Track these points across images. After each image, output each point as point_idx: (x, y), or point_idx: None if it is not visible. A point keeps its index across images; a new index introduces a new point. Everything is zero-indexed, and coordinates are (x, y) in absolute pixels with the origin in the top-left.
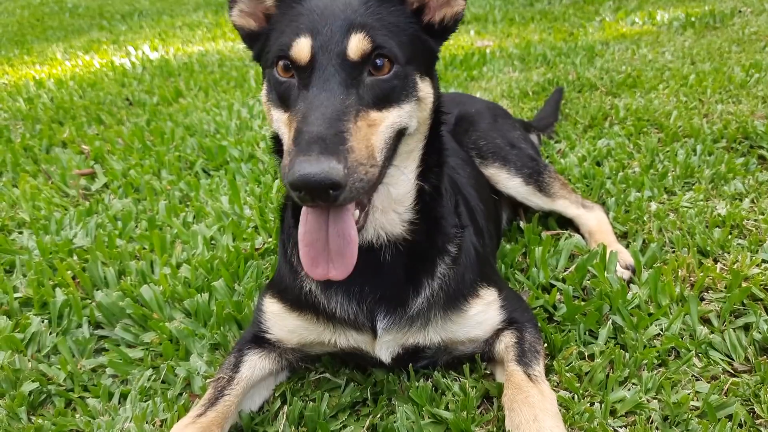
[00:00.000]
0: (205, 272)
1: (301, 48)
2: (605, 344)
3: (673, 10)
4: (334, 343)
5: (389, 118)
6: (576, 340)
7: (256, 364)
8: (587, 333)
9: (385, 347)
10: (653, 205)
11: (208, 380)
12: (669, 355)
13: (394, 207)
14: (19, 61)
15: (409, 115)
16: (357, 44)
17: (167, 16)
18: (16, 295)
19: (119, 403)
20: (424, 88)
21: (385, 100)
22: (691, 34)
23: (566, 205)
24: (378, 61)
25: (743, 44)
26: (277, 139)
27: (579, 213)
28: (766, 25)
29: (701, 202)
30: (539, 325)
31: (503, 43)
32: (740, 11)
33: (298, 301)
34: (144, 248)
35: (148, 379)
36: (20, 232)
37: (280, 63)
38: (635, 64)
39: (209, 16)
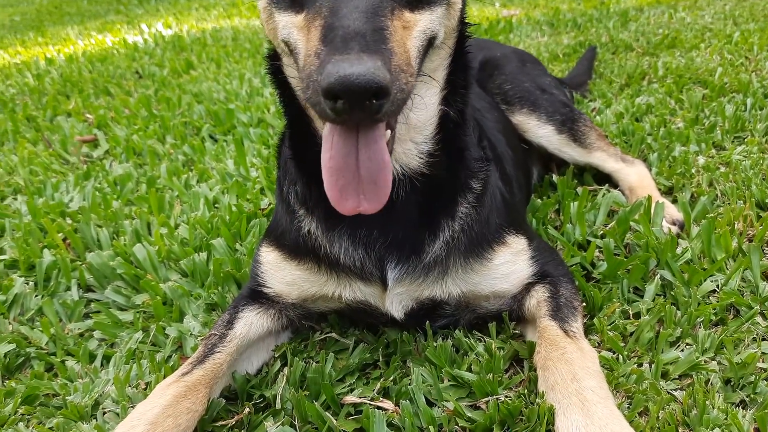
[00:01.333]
0: (204, 231)
1: None
2: (653, 301)
3: None
4: (338, 296)
5: (422, 22)
6: (619, 298)
7: (252, 321)
8: (631, 291)
9: (396, 300)
10: (701, 159)
11: (200, 339)
12: (728, 312)
13: (411, 135)
14: (33, 42)
15: (440, 20)
16: None
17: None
18: (1, 257)
19: (101, 366)
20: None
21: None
22: None
23: (604, 158)
24: None
25: None
26: (275, 57)
27: (618, 167)
28: None
29: (755, 155)
30: (575, 279)
31: (530, 12)
32: None
33: (296, 246)
34: (141, 210)
35: (137, 342)
36: (15, 198)
37: None
38: (673, 27)
39: None
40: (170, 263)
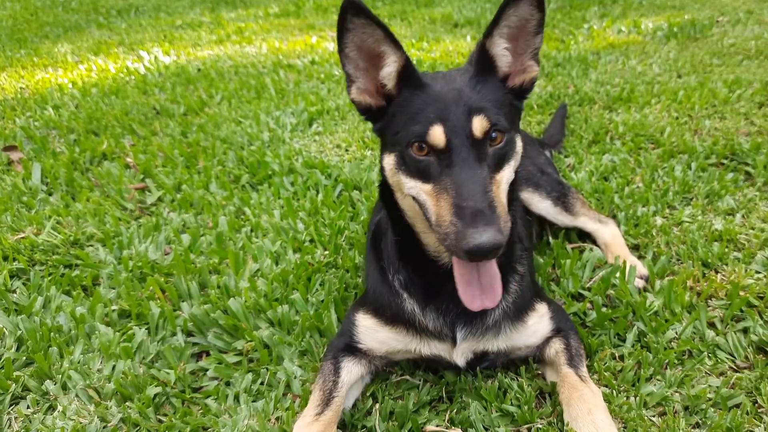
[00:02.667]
0: (280, 285)
1: (437, 134)
2: (632, 347)
3: (655, 18)
4: (419, 351)
5: (505, 176)
6: (608, 344)
7: (351, 369)
8: (616, 337)
9: (461, 354)
10: (658, 220)
11: (307, 384)
12: (684, 355)
13: None
14: (29, 63)
15: (513, 168)
16: (480, 125)
17: (165, 14)
18: (113, 307)
19: (234, 402)
20: (519, 143)
21: (500, 163)
22: (674, 45)
23: (586, 221)
24: (494, 134)
25: (723, 57)
26: (385, 188)
27: (596, 228)
28: (742, 37)
29: (700, 217)
30: (578, 331)
31: None
32: (718, 21)
33: (394, 317)
34: (215, 262)
35: (250, 382)
36: (90, 245)
37: (415, 145)
38: (627, 77)
39: (207, 14)
40: (258, 314)
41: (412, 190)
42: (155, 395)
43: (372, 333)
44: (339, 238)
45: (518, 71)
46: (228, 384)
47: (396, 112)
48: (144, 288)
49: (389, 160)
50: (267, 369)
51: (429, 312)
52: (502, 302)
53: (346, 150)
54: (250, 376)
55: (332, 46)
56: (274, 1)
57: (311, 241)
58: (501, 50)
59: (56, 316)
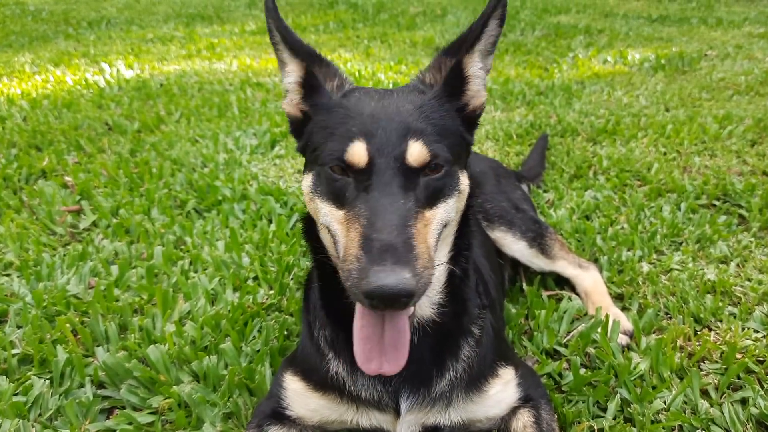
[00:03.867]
0: (210, 330)
1: (357, 152)
2: (614, 419)
3: (642, 49)
4: (356, 422)
5: (438, 215)
6: (586, 414)
7: None
8: (595, 405)
9: (406, 426)
10: (645, 266)
11: None
12: (673, 430)
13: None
14: None
15: (453, 208)
16: (417, 153)
17: (137, 27)
18: (14, 351)
19: None
20: (464, 180)
21: (435, 198)
22: (662, 77)
23: (565, 265)
24: (433, 164)
25: (712, 91)
26: (310, 220)
27: (576, 273)
28: (732, 72)
29: (690, 265)
30: (551, 399)
31: None
32: (706, 54)
33: (323, 382)
34: (143, 299)
35: None
36: (7, 275)
37: (334, 164)
38: (612, 108)
39: (180, 28)
40: (182, 365)
41: (325, 217)
42: None
43: (301, 399)
44: (286, 277)
45: (473, 97)
46: None
47: (314, 126)
48: (55, 329)
49: (306, 181)
50: None
51: (361, 377)
52: (451, 369)
53: None
54: None
55: None
56: (253, 18)
57: (255, 278)
58: (477, 70)
59: None
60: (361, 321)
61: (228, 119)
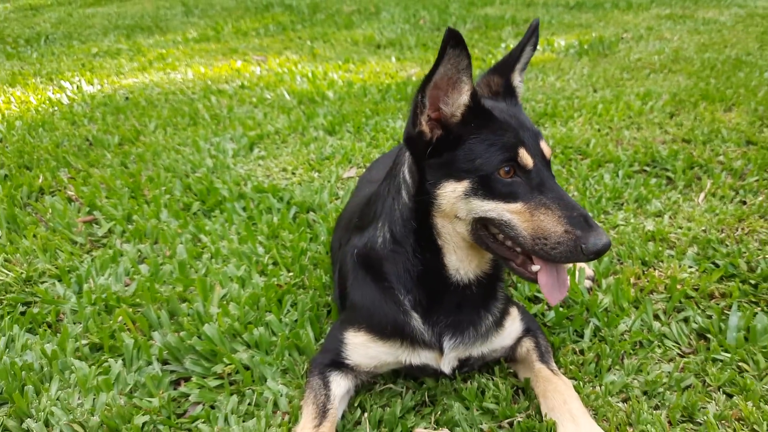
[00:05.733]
0: (250, 309)
1: (526, 156)
2: (590, 341)
3: (566, 36)
4: (408, 362)
5: None
6: (569, 340)
7: (340, 383)
8: (574, 333)
9: (448, 362)
10: None
11: (294, 401)
12: (638, 346)
13: None
14: None
15: None
16: (547, 148)
17: (78, 42)
18: (83, 341)
19: (224, 424)
20: None
21: None
22: (586, 61)
23: None
24: None
25: (632, 71)
26: (422, 215)
27: None
28: (646, 52)
29: (632, 220)
30: (543, 330)
31: (425, 69)
32: (623, 37)
33: (393, 332)
34: (180, 291)
35: (238, 403)
36: (44, 281)
37: (504, 169)
38: (548, 93)
39: (123, 41)
40: (234, 337)
41: (490, 212)
42: (143, 424)
43: (362, 349)
44: (303, 259)
45: None
46: (213, 408)
47: (467, 140)
48: (113, 320)
49: (455, 188)
50: (252, 390)
51: (426, 325)
52: (492, 310)
53: (293, 173)
54: (235, 398)
55: (259, 70)
56: (192, 25)
57: (274, 263)
58: (518, 83)
59: (23, 355)
60: (545, 277)
61: (202, 127)
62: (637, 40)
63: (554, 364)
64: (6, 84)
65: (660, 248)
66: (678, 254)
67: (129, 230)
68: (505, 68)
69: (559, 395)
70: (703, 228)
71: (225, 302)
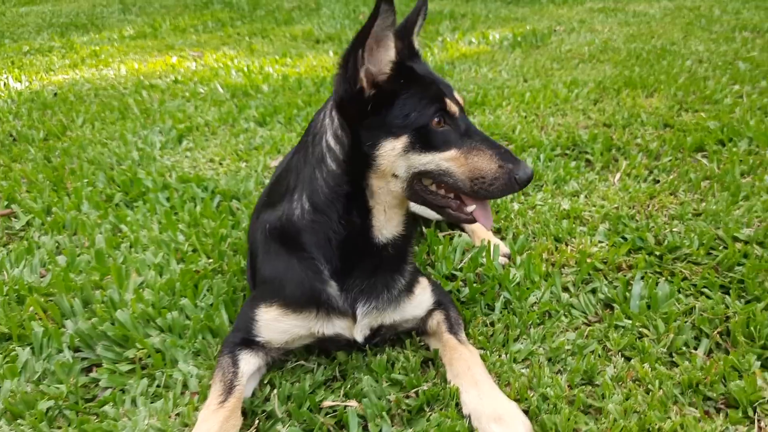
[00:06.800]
0: (166, 294)
1: (451, 105)
2: (500, 313)
3: (501, 29)
4: (321, 333)
5: None
6: (480, 313)
7: (249, 361)
8: (486, 307)
9: (360, 330)
10: (516, 205)
11: (204, 380)
12: (545, 316)
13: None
14: None
15: None
16: (461, 98)
17: (9, 40)
18: None
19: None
20: None
21: None
22: (519, 53)
23: None
24: None
25: (562, 61)
26: (353, 180)
27: None
28: (577, 44)
29: (550, 200)
30: (456, 304)
31: None
32: (555, 30)
33: (307, 302)
34: (96, 279)
35: (146, 386)
36: None
37: (436, 119)
38: (480, 83)
39: (56, 38)
40: (147, 322)
41: (428, 165)
42: (48, 409)
43: (274, 324)
44: (222, 245)
45: None
46: (123, 391)
47: (399, 95)
48: (23, 309)
49: (394, 145)
50: (162, 372)
51: (341, 292)
52: (404, 273)
53: (220, 163)
54: (145, 380)
55: (194, 65)
56: (129, 23)
57: (194, 250)
58: (417, 45)
59: None
60: (480, 210)
61: (131, 120)
62: (569, 32)
63: (463, 335)
64: None
65: (573, 225)
66: (590, 230)
67: (48, 222)
68: (405, 32)
69: (463, 362)
70: (616, 205)
71: (141, 289)
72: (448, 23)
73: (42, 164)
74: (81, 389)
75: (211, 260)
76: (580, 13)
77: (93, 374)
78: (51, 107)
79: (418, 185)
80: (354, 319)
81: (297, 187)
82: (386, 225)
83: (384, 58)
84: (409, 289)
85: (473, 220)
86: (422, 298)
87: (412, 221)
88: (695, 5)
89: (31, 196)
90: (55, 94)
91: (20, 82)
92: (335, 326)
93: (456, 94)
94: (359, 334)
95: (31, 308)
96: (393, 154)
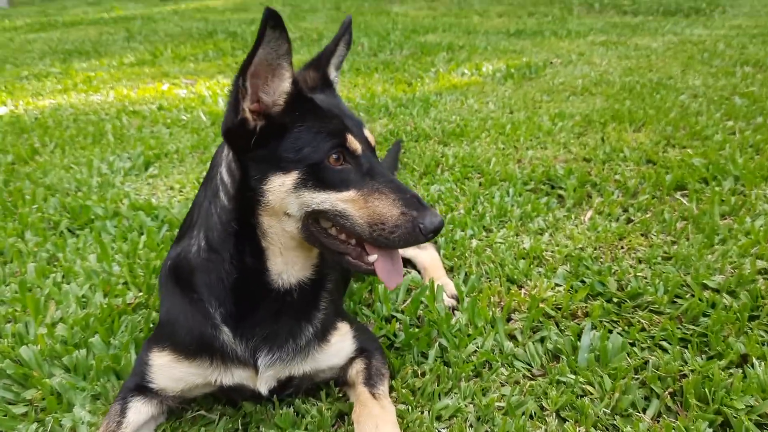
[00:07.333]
0: (80, 330)
1: (354, 141)
2: (434, 362)
3: (496, 62)
4: (219, 382)
5: None
6: (411, 362)
7: (140, 410)
8: (420, 355)
9: (264, 382)
10: (474, 242)
11: (93, 428)
12: (484, 367)
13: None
14: None
15: None
16: (371, 137)
17: (11, 65)
18: None
19: None
20: None
21: None
22: (510, 84)
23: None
24: None
25: (552, 94)
26: (243, 217)
27: (415, 253)
28: (571, 76)
29: (512, 238)
30: (384, 352)
31: (351, 93)
32: (551, 63)
33: (199, 349)
34: (17, 311)
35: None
36: None
37: (333, 156)
38: (463, 114)
39: (57, 64)
40: (53, 360)
41: (323, 204)
42: None
43: (167, 371)
44: (153, 278)
45: None
46: None
47: (292, 128)
48: None
49: (283, 181)
50: (52, 417)
51: (237, 339)
52: (313, 320)
53: (180, 191)
54: (34, 426)
55: (184, 92)
56: (131, 50)
57: (124, 283)
58: (333, 77)
59: None
60: (382, 263)
61: (103, 146)
62: (566, 64)
63: (382, 388)
64: None
65: (531, 266)
66: (548, 272)
67: None
68: (320, 62)
69: (371, 420)
70: (581, 246)
71: (55, 324)
72: (444, 54)
73: None
74: None
75: (141, 293)
76: (581, 46)
77: None
78: (27, 131)
79: (314, 227)
80: (256, 369)
81: (197, 223)
82: (286, 269)
83: (278, 88)
84: (322, 337)
85: (373, 272)
86: (341, 345)
87: (327, 265)
88: (701, 39)
89: None
90: (36, 119)
91: (5, 105)
92: (234, 376)
93: (366, 131)
94: (263, 386)
95: None
96: (282, 190)
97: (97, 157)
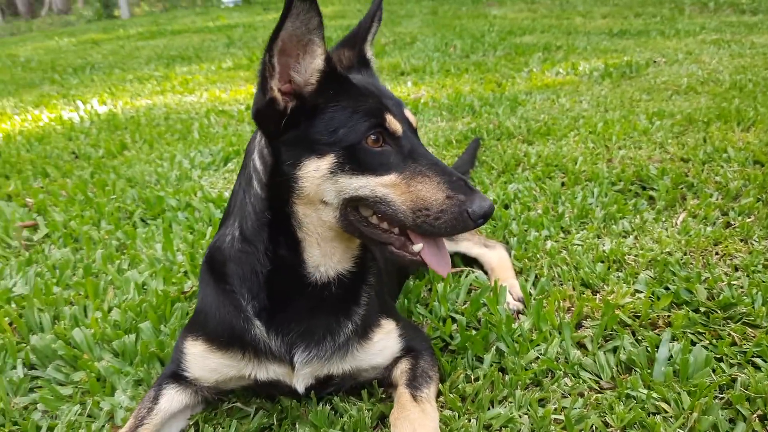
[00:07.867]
0: (133, 315)
1: (393, 122)
2: (489, 368)
3: (595, 61)
4: (254, 376)
5: None
6: (464, 366)
7: (174, 398)
8: (475, 359)
9: (301, 379)
10: (549, 243)
11: (129, 413)
12: (545, 376)
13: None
14: None
15: None
16: (413, 117)
17: (119, 70)
18: None
19: None
20: None
21: None
22: (608, 83)
23: (469, 246)
24: None
25: (653, 93)
26: (278, 206)
27: (481, 252)
28: (676, 75)
29: (591, 240)
30: (435, 353)
31: (437, 93)
32: (655, 61)
33: (231, 341)
34: (79, 294)
35: (76, 414)
36: None
37: (372, 137)
38: (553, 113)
39: (160, 69)
40: (104, 344)
41: (361, 190)
42: None
43: (201, 360)
44: None
45: None
46: (55, 417)
47: (326, 108)
48: None
49: (318, 165)
50: (92, 400)
51: (272, 334)
52: (353, 317)
53: None
54: (76, 408)
55: None
56: (230, 56)
57: (185, 272)
58: (370, 55)
59: None
60: (429, 250)
61: (187, 142)
62: (671, 64)
63: (427, 392)
64: (32, 105)
65: (609, 270)
66: (627, 277)
67: (62, 235)
68: (356, 40)
69: (408, 425)
70: (668, 250)
71: (114, 308)
72: (540, 54)
73: (85, 180)
74: (21, 410)
75: None
76: (689, 44)
77: (35, 395)
78: (121, 128)
79: (353, 215)
80: (292, 366)
81: (233, 213)
82: (324, 261)
83: (310, 66)
84: (363, 334)
85: (420, 263)
86: (384, 344)
87: (372, 257)
88: None
89: (60, 210)
90: (130, 117)
91: (105, 105)
92: (269, 371)
93: (407, 111)
94: (300, 383)
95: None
96: (317, 176)
97: (180, 153)
